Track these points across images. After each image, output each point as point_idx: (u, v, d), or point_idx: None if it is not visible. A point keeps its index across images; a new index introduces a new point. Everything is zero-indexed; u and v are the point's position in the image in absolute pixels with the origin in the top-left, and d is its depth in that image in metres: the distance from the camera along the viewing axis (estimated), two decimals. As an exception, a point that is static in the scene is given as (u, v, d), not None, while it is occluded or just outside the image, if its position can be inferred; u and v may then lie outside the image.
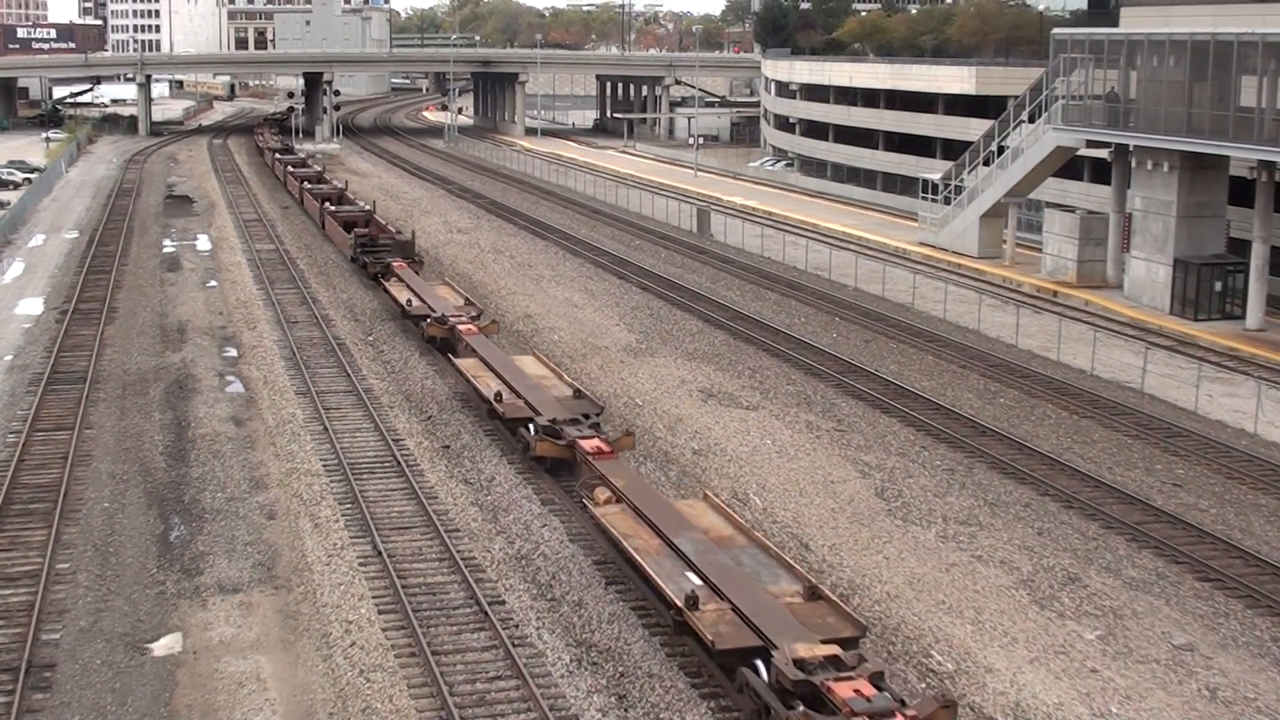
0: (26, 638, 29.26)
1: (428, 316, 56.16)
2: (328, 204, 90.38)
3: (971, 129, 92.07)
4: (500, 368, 47.20)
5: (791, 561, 31.17)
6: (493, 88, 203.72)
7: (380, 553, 34.12)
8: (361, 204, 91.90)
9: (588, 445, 38.48)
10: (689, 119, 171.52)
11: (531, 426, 41.18)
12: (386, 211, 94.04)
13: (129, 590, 32.23)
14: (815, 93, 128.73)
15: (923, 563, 34.39)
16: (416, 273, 67.41)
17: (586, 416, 41.35)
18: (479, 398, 46.03)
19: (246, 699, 27.31)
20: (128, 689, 27.53)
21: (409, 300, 59.55)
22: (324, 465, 41.11)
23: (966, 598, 32.33)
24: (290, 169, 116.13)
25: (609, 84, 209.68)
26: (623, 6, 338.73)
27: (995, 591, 32.73)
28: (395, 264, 67.55)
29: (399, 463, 41.12)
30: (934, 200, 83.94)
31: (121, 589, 32.28)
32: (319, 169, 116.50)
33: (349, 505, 37.74)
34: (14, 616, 30.58)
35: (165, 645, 29.47)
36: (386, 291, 63.77)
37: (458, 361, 49.15)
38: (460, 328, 53.22)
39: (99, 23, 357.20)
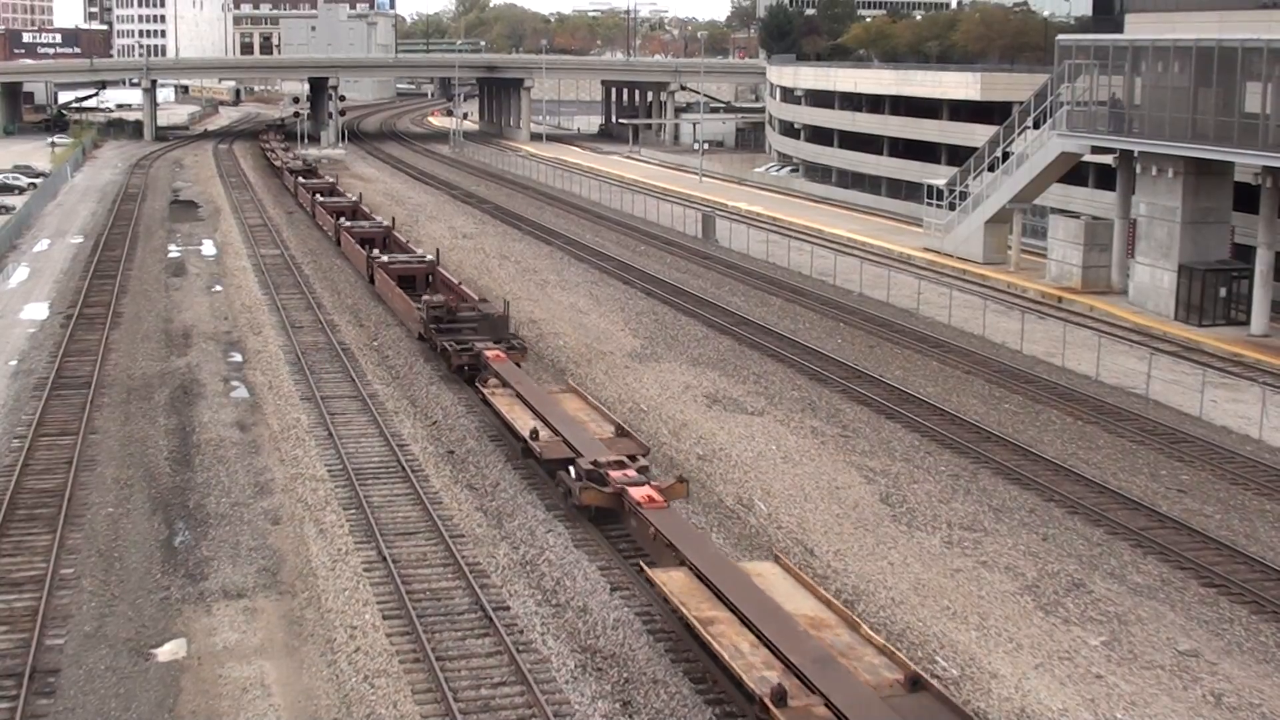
0: (31, 643, 29.25)
1: (570, 463, 37.33)
2: (376, 252, 71.47)
3: (976, 135, 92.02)
4: (736, 596, 28.75)
5: None
6: (498, 93, 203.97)
7: (385, 558, 34.12)
8: (420, 252, 73.06)
9: None
10: (694, 125, 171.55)
11: None
12: (390, 215, 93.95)
13: (133, 595, 32.22)
14: (820, 98, 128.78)
15: (927, 568, 34.37)
16: (518, 364, 49.94)
17: None
18: (720, 671, 27.36)
19: (251, 704, 27.30)
20: (132, 695, 27.53)
21: (534, 432, 39.67)
22: (329, 470, 41.12)
23: (971, 603, 32.30)
24: (319, 198, 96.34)
25: (614, 89, 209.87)
26: (628, 12, 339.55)
27: (1000, 597, 32.70)
28: (489, 353, 49.57)
29: (403, 468, 41.12)
30: (939, 206, 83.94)
31: (126, 594, 32.28)
32: (354, 198, 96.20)
33: (353, 510, 37.74)
34: (18, 622, 30.56)
35: (169, 651, 29.46)
36: (487, 403, 45.11)
37: (657, 577, 30.36)
38: (634, 493, 34.60)
39: (104, 28, 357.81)
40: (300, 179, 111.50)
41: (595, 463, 36.61)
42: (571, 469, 36.99)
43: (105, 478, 40.53)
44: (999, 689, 28.14)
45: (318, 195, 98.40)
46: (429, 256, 69.14)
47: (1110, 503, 39.00)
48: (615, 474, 35.94)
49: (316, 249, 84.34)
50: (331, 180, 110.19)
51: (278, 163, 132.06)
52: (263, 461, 42.23)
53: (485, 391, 45.23)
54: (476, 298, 58.61)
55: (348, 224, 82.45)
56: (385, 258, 68.62)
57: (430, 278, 66.52)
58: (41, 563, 33.81)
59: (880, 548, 35.72)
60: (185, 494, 39.18)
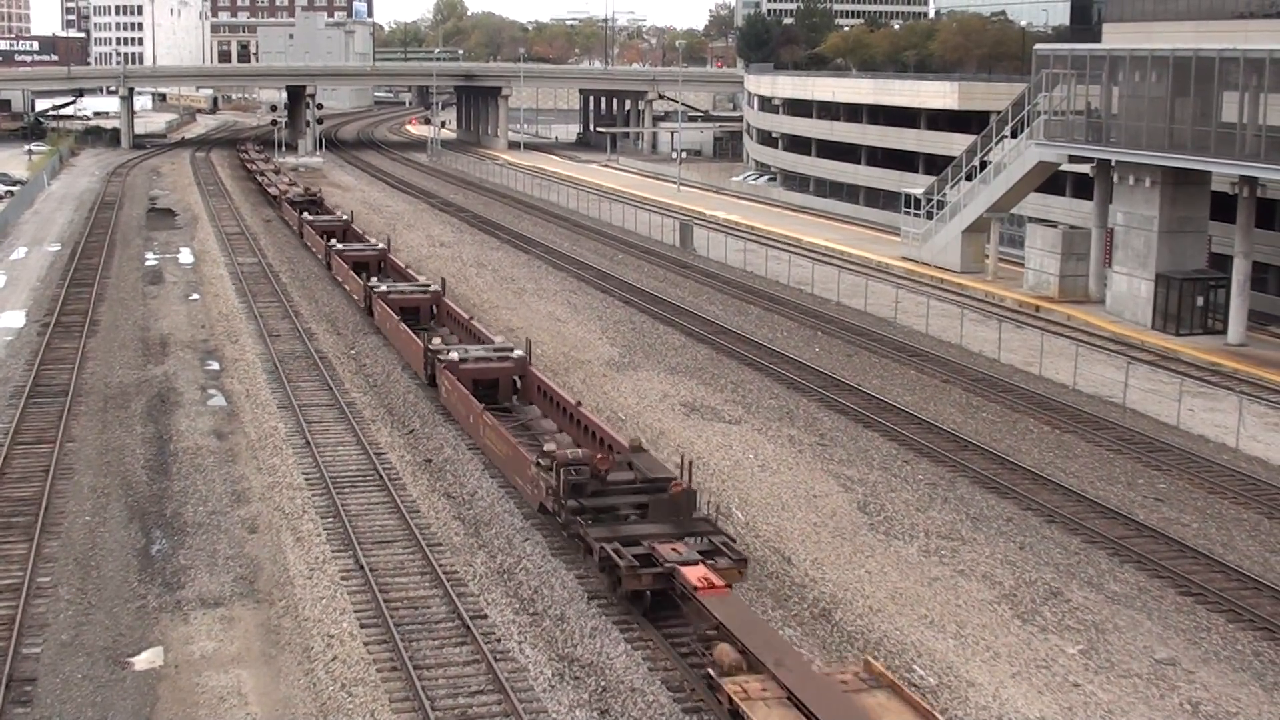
0: (7, 652, 29.11)
1: None
2: (438, 342, 51.59)
3: (954, 144, 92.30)
4: None
5: None
6: (476, 102, 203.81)
7: (362, 567, 34.04)
8: (500, 340, 52.08)
9: None
10: (672, 133, 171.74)
11: None
12: (369, 225, 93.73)
13: (110, 604, 32.10)
14: (798, 108, 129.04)
15: (905, 577, 34.40)
16: (730, 585, 30.13)
17: None
18: None
19: (228, 713, 27.21)
20: (109, 703, 27.42)
21: None
22: (306, 479, 41.01)
23: (949, 612, 32.34)
24: (335, 245, 76.64)
25: (592, 98, 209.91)
26: (606, 21, 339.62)
27: (977, 606, 32.74)
28: (690, 572, 29.63)
29: (381, 476, 41.04)
30: (917, 215, 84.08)
31: (103, 603, 32.16)
32: (381, 245, 76.55)
33: (331, 519, 37.65)
34: (-6, 630, 30.47)
35: (146, 659, 29.36)
36: (739, 717, 24.94)
37: None
38: None
39: (82, 35, 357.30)
40: (306, 214, 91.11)
41: None
42: None
43: (82, 486, 40.38)
44: (976, 697, 28.16)
45: (333, 240, 78.52)
46: (516, 351, 49.16)
47: (1088, 511, 39.09)
48: None
49: (293, 257, 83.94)
50: (346, 218, 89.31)
51: (272, 190, 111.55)
52: (240, 470, 42.12)
53: (730, 691, 25.19)
54: (625, 441, 37.66)
55: (382, 287, 62.51)
56: (454, 353, 48.37)
57: (519, 381, 48.42)
58: (18, 571, 33.66)
59: (858, 556, 35.75)
60: (162, 502, 39.05)
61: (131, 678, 28.59)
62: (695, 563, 30.27)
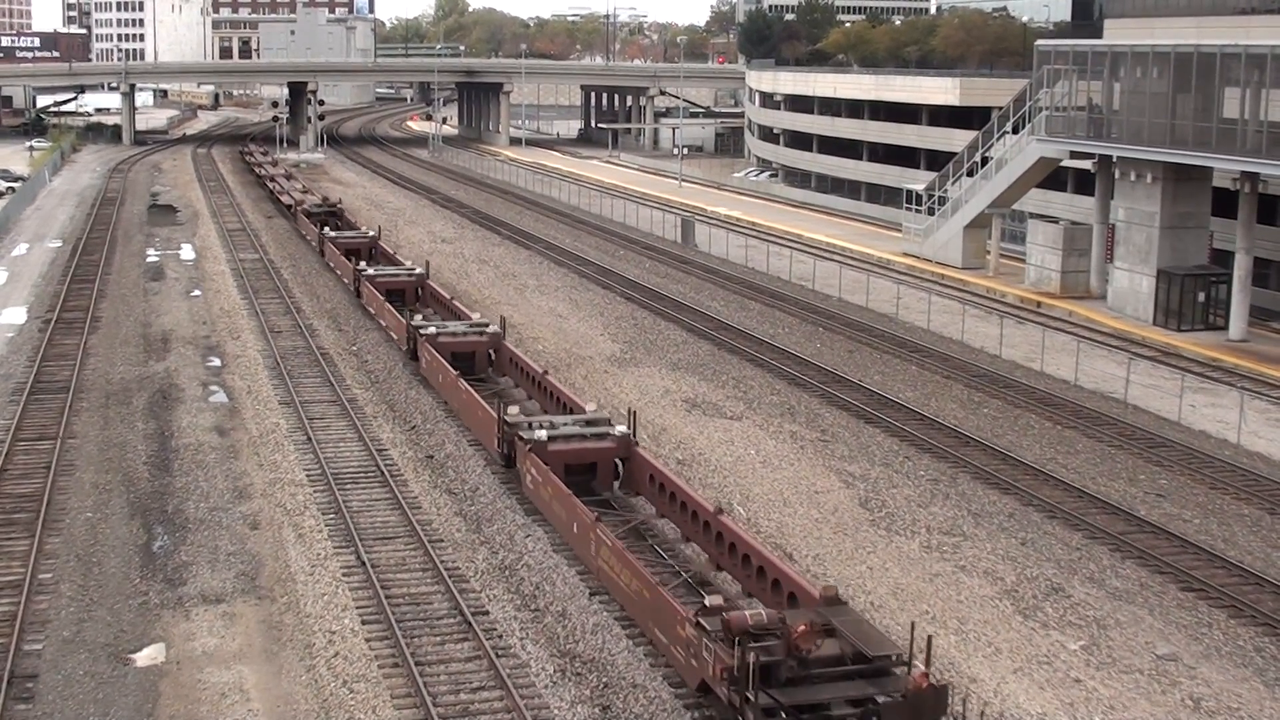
0: (9, 648, 29.12)
1: None
2: (515, 411, 40.61)
3: (955, 140, 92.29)
4: None
5: None
6: (477, 98, 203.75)
7: (364, 563, 34.04)
8: (593, 410, 41.27)
9: None
10: (673, 129, 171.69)
11: None
12: (371, 221, 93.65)
13: (112, 601, 32.11)
14: (799, 103, 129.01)
15: (906, 573, 34.40)
16: None
17: None
18: None
19: (230, 709, 27.22)
20: (110, 700, 27.42)
21: None
22: (308, 475, 41.01)
23: (950, 608, 32.34)
24: (363, 269, 66.82)
25: (593, 94, 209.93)
26: (607, 17, 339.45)
27: (979, 602, 32.74)
28: None
29: (383, 473, 41.04)
30: (918, 211, 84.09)
31: (104, 599, 32.17)
32: (419, 270, 66.46)
33: (332, 515, 37.65)
34: (-4, 627, 30.47)
35: (148, 656, 29.37)
36: None
37: None
38: None
39: (83, 32, 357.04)
40: (328, 230, 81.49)
41: None
42: None
43: (84, 482, 40.38)
44: (978, 693, 28.16)
45: (361, 263, 69.59)
46: (619, 426, 38.89)
47: (1089, 507, 39.09)
48: None
49: (295, 253, 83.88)
50: (373, 234, 79.69)
51: (285, 199, 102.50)
52: (241, 466, 42.12)
53: None
54: (810, 587, 28.00)
55: (430, 329, 52.37)
56: (540, 431, 38.37)
57: (622, 464, 38.21)
58: (20, 568, 33.66)
59: (859, 552, 35.74)
60: (164, 499, 39.05)
61: (133, 674, 28.60)
62: None
